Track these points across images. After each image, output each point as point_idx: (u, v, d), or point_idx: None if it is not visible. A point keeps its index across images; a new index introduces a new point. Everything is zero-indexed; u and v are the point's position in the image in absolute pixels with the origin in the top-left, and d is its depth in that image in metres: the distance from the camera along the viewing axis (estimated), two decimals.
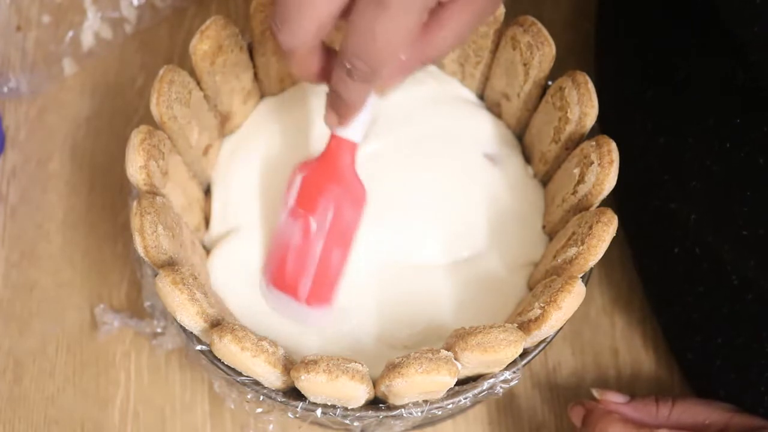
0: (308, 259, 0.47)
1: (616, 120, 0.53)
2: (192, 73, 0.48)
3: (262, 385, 0.42)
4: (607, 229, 0.42)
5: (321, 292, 0.47)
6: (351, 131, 0.45)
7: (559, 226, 0.48)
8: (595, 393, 0.49)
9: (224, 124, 0.53)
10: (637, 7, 0.53)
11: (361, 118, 0.44)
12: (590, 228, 0.43)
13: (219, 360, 0.41)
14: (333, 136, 0.46)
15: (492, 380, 0.43)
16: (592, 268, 0.44)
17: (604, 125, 0.52)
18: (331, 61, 0.41)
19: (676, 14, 0.49)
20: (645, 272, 0.54)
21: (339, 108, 0.42)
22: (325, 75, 0.42)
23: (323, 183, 0.47)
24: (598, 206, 0.45)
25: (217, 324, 0.41)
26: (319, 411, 0.42)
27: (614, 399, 0.48)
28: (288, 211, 0.47)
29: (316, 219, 0.46)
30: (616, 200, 0.54)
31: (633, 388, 0.54)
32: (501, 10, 0.48)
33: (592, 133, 0.46)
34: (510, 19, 0.49)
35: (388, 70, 0.40)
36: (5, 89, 0.61)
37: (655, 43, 0.51)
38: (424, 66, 0.42)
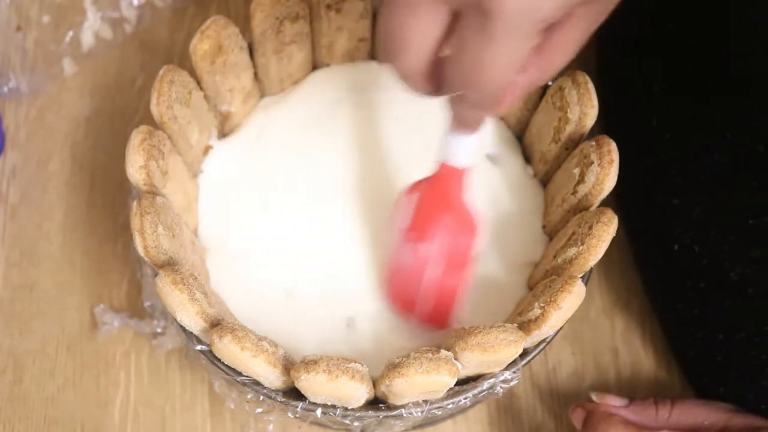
0: (423, 283, 0.46)
1: (620, 117, 0.53)
2: (192, 73, 0.48)
3: (262, 385, 0.42)
4: (607, 229, 0.42)
5: (436, 317, 0.47)
6: (460, 158, 0.43)
7: (559, 226, 0.48)
8: (594, 397, 0.49)
9: (224, 124, 0.53)
10: (643, 2, 0.53)
11: (471, 142, 0.43)
12: (590, 228, 0.43)
13: (219, 360, 0.41)
14: (443, 164, 0.44)
15: (492, 380, 0.43)
16: (592, 268, 0.44)
17: (608, 122, 0.52)
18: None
19: (681, 9, 0.49)
20: (646, 269, 0.54)
21: (462, 122, 0.41)
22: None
23: (435, 212, 0.45)
24: (598, 206, 0.45)
25: (217, 324, 0.41)
26: (319, 411, 0.42)
27: (613, 402, 0.48)
28: (402, 232, 0.46)
29: (430, 247, 0.45)
30: (616, 197, 0.54)
31: (633, 388, 0.54)
32: None
33: (592, 133, 0.46)
34: None
35: (500, 95, 0.36)
36: (5, 89, 0.61)
37: (660, 39, 0.51)
38: (538, 86, 0.40)
